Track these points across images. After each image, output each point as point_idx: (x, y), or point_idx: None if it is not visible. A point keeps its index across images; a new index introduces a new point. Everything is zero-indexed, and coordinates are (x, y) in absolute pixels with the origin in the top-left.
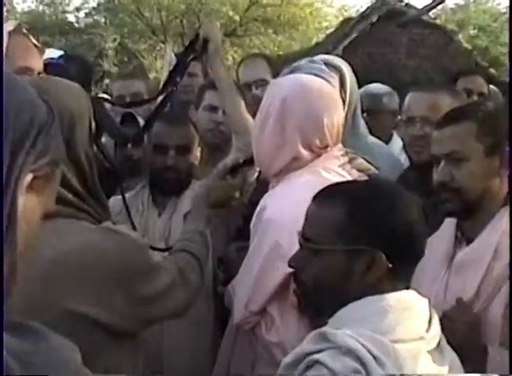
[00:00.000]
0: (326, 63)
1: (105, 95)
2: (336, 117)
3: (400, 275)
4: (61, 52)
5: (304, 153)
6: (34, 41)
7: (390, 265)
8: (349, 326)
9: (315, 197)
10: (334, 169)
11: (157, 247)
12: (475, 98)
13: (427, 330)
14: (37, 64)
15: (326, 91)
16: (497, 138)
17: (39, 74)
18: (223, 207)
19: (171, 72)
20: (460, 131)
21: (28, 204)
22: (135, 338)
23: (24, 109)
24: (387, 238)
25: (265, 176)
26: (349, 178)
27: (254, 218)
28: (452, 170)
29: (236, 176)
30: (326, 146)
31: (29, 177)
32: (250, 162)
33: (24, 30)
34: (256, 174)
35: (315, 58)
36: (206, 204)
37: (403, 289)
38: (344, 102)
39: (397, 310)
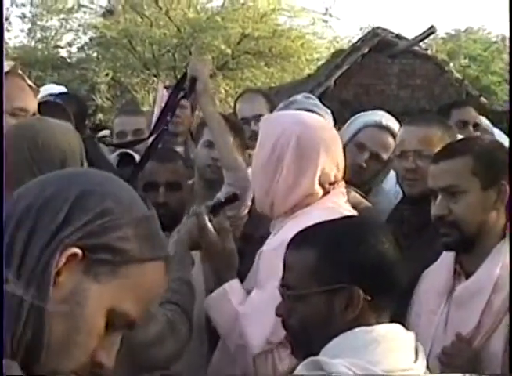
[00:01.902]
0: None
1: (104, 132)
2: (342, 152)
3: (382, 305)
4: (61, 88)
5: (318, 189)
6: (29, 82)
7: (369, 298)
8: (340, 356)
9: (288, 245)
10: (343, 205)
11: None
12: (470, 129)
13: (415, 362)
14: (32, 105)
15: (332, 127)
16: (493, 172)
17: (34, 114)
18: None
19: (161, 112)
20: (457, 166)
21: (79, 287)
22: None
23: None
24: (361, 272)
25: (268, 213)
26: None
27: (265, 252)
28: (450, 204)
29: (218, 215)
30: (336, 182)
31: (70, 251)
32: (231, 200)
33: (20, 71)
34: (247, 208)
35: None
36: (187, 247)
37: (387, 319)
38: None
39: (385, 341)
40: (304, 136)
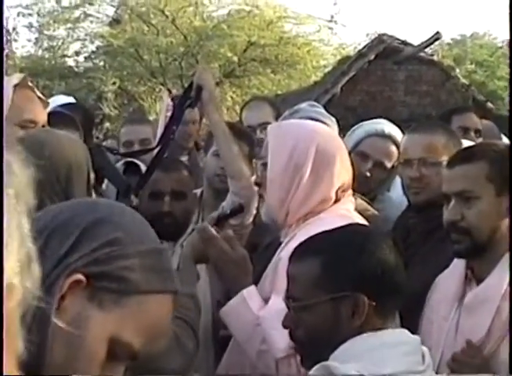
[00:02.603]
0: None
1: (109, 141)
2: (349, 160)
3: (386, 310)
4: (69, 99)
5: (332, 196)
6: (39, 93)
7: (374, 304)
8: (349, 361)
9: (291, 257)
10: (353, 212)
11: None
12: (472, 135)
13: (422, 365)
14: (42, 117)
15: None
16: (508, 178)
17: (43, 126)
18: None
19: (168, 122)
20: (472, 171)
21: (82, 314)
22: None
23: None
24: (364, 279)
25: (280, 222)
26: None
27: (284, 259)
28: (463, 209)
29: (224, 228)
30: (346, 190)
31: (75, 277)
32: (237, 211)
33: (29, 83)
34: (252, 217)
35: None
36: (193, 261)
37: (392, 323)
38: None
39: (392, 345)
40: (322, 145)
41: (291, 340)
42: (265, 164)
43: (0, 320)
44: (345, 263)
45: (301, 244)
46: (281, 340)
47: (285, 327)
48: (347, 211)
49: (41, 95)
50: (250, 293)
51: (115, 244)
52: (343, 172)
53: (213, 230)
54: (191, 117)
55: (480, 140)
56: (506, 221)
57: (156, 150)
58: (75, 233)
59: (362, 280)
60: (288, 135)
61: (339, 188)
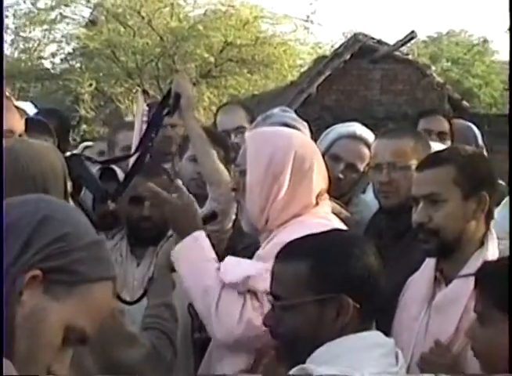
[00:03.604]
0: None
1: (88, 143)
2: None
3: (368, 312)
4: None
5: (313, 202)
6: (16, 103)
7: (358, 306)
8: (327, 363)
9: (277, 255)
10: (331, 215)
11: (125, 300)
12: (434, 137)
13: (395, 366)
14: (19, 126)
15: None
16: (475, 182)
17: (20, 135)
18: None
19: (146, 129)
20: (439, 174)
21: (39, 306)
22: None
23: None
24: (350, 283)
25: (260, 229)
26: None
27: (260, 255)
28: (430, 211)
29: None
30: (323, 194)
31: (32, 273)
32: (210, 218)
33: (7, 93)
34: (231, 222)
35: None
36: (168, 270)
37: (371, 327)
38: None
39: (369, 348)
40: (299, 152)
41: (272, 338)
42: (241, 172)
43: (0, 320)
44: (333, 266)
45: (287, 245)
46: (234, 275)
47: (265, 325)
48: (325, 214)
49: (18, 105)
50: (201, 235)
51: (65, 239)
52: (320, 177)
53: (156, 188)
54: (170, 121)
55: (447, 142)
56: (473, 224)
57: (134, 157)
58: (27, 231)
59: (348, 283)
60: (266, 143)
61: (318, 193)
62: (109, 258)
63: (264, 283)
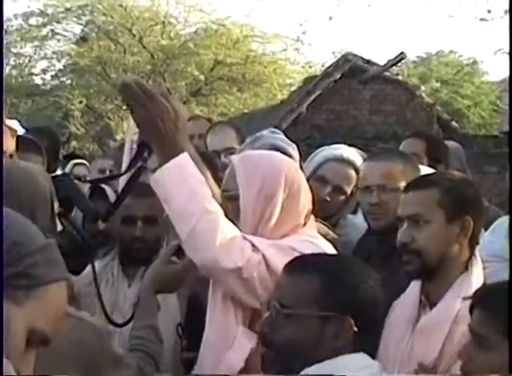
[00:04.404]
0: None
1: (82, 161)
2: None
3: (362, 338)
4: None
5: (302, 222)
6: (7, 122)
7: (356, 330)
8: None
9: (287, 267)
10: (319, 236)
11: (115, 322)
12: None
13: None
14: (10, 146)
15: None
16: (459, 206)
17: (11, 156)
18: (172, 292)
19: (138, 149)
20: (424, 196)
21: (10, 316)
22: None
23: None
24: (355, 306)
25: None
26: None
27: None
28: (413, 232)
29: (184, 256)
30: (309, 215)
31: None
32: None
33: None
34: None
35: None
36: (153, 293)
37: (360, 350)
38: None
39: (360, 369)
40: (289, 174)
41: (262, 344)
42: (230, 197)
43: (0, 320)
44: (344, 287)
45: (300, 258)
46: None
47: (260, 331)
48: (312, 234)
49: (9, 125)
50: (186, 157)
51: (20, 244)
52: (306, 199)
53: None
54: None
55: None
56: (456, 247)
57: (124, 176)
58: None
59: (354, 306)
60: (257, 167)
61: (306, 214)
62: (61, 259)
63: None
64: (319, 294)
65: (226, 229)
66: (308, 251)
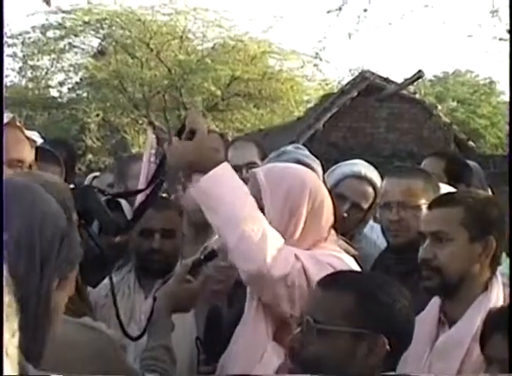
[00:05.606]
0: None
1: (96, 173)
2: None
3: (392, 358)
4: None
5: (325, 236)
6: (27, 133)
7: (389, 349)
8: None
9: (322, 282)
10: (340, 250)
11: (130, 335)
12: None
13: None
14: (29, 157)
15: None
16: (482, 226)
17: (30, 166)
18: (187, 312)
19: (159, 163)
20: (448, 214)
21: (57, 300)
22: None
23: (48, 222)
24: (389, 325)
25: None
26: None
27: None
28: (436, 249)
29: (198, 274)
30: (331, 229)
31: (56, 282)
32: (211, 257)
33: (18, 123)
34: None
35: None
36: (167, 312)
37: (393, 369)
38: None
39: None
40: (313, 188)
41: (291, 360)
42: None
43: (0, 319)
44: (379, 305)
45: (336, 274)
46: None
47: (291, 345)
48: (336, 248)
49: (28, 135)
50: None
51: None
52: (329, 214)
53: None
54: None
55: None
56: (477, 267)
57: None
58: None
59: (388, 325)
60: (282, 180)
61: (328, 229)
62: None
63: None
64: (353, 310)
65: (272, 237)
66: (340, 266)
